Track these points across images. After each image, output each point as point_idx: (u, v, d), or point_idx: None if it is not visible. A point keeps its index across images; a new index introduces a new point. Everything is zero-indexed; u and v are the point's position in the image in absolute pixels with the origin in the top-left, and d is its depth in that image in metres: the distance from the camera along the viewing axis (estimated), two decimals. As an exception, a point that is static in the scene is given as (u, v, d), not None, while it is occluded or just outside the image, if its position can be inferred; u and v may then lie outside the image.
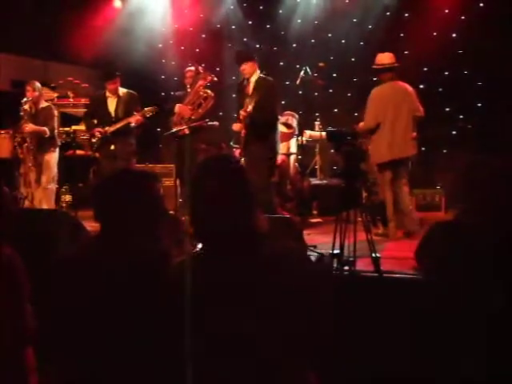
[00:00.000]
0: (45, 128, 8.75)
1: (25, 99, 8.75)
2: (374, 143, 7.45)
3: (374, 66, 7.58)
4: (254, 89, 7.57)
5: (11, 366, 2.73)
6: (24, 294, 2.72)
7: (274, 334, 2.15)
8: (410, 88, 7.49)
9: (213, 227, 2.27)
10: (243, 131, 7.56)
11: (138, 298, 2.45)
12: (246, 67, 7.62)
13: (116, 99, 8.54)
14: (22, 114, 8.74)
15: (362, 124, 7.49)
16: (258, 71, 7.67)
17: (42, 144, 8.83)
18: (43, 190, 8.82)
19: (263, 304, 2.15)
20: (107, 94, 8.56)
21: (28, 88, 8.77)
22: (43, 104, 8.98)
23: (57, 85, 10.43)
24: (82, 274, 2.53)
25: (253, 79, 7.64)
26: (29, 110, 8.79)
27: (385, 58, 7.54)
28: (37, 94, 8.81)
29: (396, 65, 7.53)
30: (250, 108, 7.42)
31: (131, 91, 8.68)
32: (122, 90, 8.60)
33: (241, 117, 7.57)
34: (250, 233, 2.26)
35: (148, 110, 8.36)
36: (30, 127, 8.68)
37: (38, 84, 8.92)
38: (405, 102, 7.39)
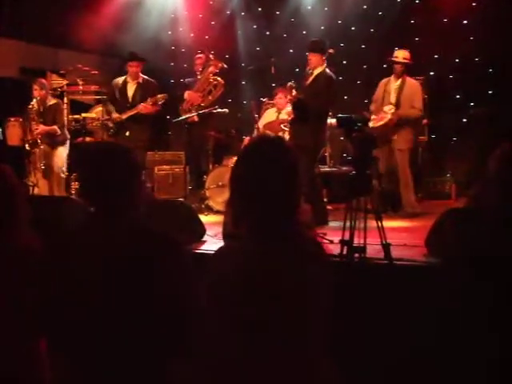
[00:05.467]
0: (55, 127, 8.87)
1: (34, 100, 8.82)
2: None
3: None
4: (313, 81, 7.57)
5: (24, 358, 2.72)
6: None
7: (297, 322, 2.16)
8: None
9: (255, 212, 2.22)
10: (291, 116, 7.69)
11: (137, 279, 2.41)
12: (313, 58, 7.59)
13: (135, 85, 8.56)
14: (31, 114, 8.81)
15: (414, 111, 8.04)
16: (324, 65, 7.60)
17: (51, 143, 8.94)
18: (54, 178, 8.86)
19: (288, 293, 2.15)
20: (128, 78, 8.59)
21: (35, 87, 8.87)
22: (51, 101, 9.06)
23: (66, 72, 10.41)
24: (77, 258, 2.48)
25: (316, 72, 7.59)
26: (37, 108, 8.85)
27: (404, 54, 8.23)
28: (43, 92, 8.89)
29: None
30: (295, 93, 7.51)
31: (151, 79, 8.71)
32: (142, 77, 8.61)
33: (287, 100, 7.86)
34: (292, 222, 2.23)
35: (160, 97, 8.35)
36: (41, 129, 8.77)
37: (44, 81, 9.01)
38: None
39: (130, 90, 8.60)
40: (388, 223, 6.98)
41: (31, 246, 2.71)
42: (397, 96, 8.04)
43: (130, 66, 8.53)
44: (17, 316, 2.66)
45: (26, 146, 8.89)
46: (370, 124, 7.81)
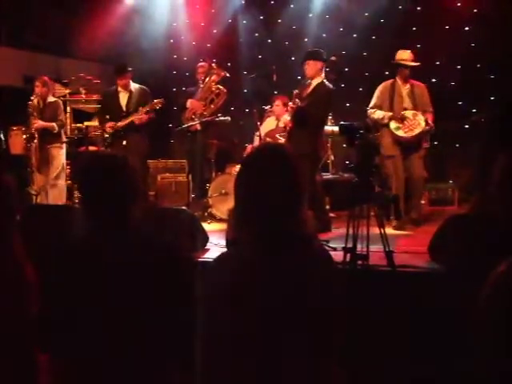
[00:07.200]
0: (53, 124, 8.85)
1: (33, 96, 8.84)
2: None
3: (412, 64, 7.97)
4: (312, 91, 7.46)
5: (19, 364, 2.72)
6: (31, 296, 2.73)
7: (303, 334, 2.16)
8: None
9: (258, 220, 2.22)
10: (289, 125, 7.58)
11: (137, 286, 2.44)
12: (308, 67, 7.48)
13: (128, 94, 8.58)
14: (29, 109, 8.82)
15: (431, 115, 7.84)
16: (323, 76, 7.50)
17: (47, 139, 8.91)
18: (52, 187, 8.86)
19: (290, 298, 2.15)
20: (119, 88, 8.61)
21: (37, 83, 8.88)
22: (51, 99, 9.05)
23: (69, 81, 10.44)
24: (80, 266, 2.52)
25: (314, 82, 7.49)
26: (37, 104, 8.88)
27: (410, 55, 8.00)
28: (45, 89, 8.89)
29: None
30: (297, 101, 7.39)
31: (143, 87, 8.72)
32: (133, 86, 8.65)
33: (289, 108, 7.66)
34: (296, 230, 2.23)
35: (156, 103, 8.36)
36: (38, 124, 8.77)
37: (46, 79, 8.99)
38: None
39: (123, 99, 8.60)
40: (391, 230, 7.01)
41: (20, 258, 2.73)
42: (411, 100, 7.84)
43: (119, 79, 8.56)
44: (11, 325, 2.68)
45: (24, 137, 8.91)
46: (401, 133, 7.62)
